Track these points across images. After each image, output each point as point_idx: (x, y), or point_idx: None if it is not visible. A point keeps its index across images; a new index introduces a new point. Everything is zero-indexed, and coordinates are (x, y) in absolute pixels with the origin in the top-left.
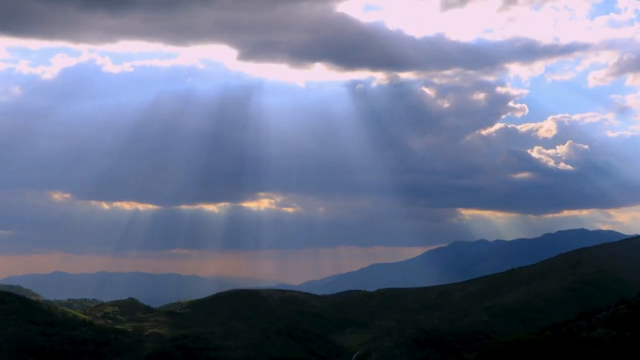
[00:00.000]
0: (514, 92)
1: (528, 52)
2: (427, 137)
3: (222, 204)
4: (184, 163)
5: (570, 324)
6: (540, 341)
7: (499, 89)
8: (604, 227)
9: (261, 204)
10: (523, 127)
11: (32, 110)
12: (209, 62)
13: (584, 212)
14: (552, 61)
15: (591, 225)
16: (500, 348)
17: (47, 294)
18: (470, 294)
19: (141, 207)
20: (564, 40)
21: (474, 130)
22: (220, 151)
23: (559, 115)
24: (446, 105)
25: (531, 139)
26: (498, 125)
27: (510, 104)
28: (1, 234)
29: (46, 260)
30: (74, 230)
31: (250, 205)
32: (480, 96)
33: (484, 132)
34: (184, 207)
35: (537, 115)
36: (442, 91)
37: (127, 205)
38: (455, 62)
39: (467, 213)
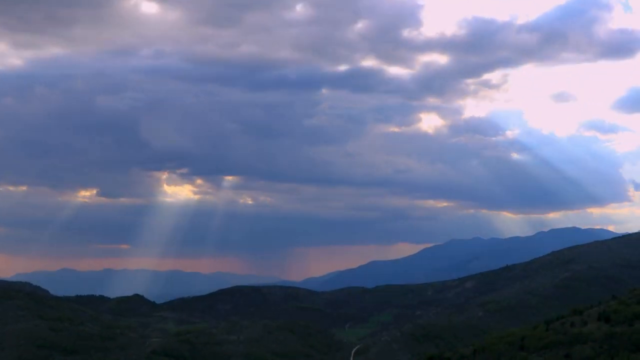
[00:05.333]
0: None
1: None
2: None
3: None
4: None
5: (563, 319)
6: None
7: None
8: (596, 226)
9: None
10: None
11: None
12: None
13: (577, 211)
14: None
15: (583, 223)
16: (495, 343)
17: (54, 290)
18: (465, 290)
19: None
20: None
21: None
22: None
23: None
24: None
25: None
26: None
27: None
28: None
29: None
30: None
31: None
32: None
33: None
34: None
35: None
36: None
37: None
38: None
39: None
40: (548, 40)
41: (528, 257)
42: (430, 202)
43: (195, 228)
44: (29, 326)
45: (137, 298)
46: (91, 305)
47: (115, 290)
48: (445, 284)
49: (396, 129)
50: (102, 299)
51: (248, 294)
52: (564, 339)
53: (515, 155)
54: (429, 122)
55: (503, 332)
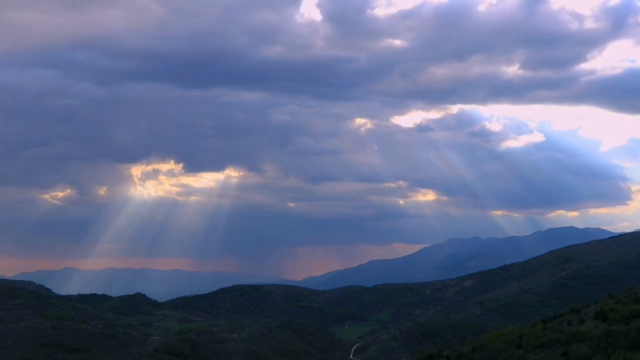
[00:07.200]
0: None
1: None
2: None
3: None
4: None
5: (560, 317)
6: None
7: None
8: (593, 225)
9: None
10: None
11: None
12: None
13: (574, 211)
14: None
15: (580, 223)
16: (494, 341)
17: (57, 289)
18: (464, 289)
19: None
20: None
21: None
22: None
23: None
24: None
25: None
26: None
27: None
28: None
29: None
30: None
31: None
32: None
33: None
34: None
35: None
36: None
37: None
38: None
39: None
40: None
41: (526, 256)
42: (430, 202)
43: (195, 228)
44: (31, 325)
45: (139, 297)
46: (93, 303)
47: (118, 289)
48: (444, 283)
49: (381, 123)
50: (105, 297)
51: (249, 292)
52: (561, 337)
53: (506, 147)
54: (416, 117)
55: (501, 331)
